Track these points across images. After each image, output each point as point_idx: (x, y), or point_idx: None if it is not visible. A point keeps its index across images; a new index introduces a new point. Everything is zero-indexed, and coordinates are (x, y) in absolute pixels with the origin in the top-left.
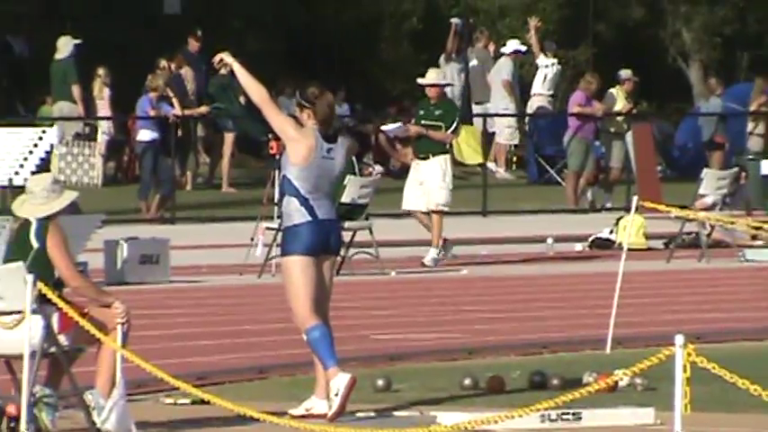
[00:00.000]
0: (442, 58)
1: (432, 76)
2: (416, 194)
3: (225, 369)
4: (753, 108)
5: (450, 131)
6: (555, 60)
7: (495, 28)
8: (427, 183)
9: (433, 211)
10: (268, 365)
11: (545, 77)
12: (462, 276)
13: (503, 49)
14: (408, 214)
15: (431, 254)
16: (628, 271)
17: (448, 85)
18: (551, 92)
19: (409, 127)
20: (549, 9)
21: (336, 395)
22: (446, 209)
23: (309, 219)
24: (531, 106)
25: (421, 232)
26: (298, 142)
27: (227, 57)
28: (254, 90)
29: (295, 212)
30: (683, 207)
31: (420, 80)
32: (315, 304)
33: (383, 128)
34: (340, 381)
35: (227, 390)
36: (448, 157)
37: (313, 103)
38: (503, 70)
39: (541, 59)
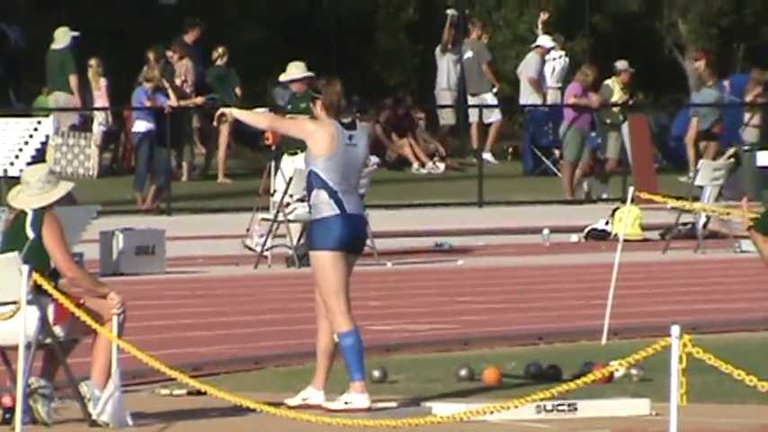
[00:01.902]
0: (438, 50)
1: (291, 72)
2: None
3: (221, 360)
4: (748, 99)
5: None
6: (562, 53)
7: (491, 19)
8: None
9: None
10: (264, 356)
11: (553, 70)
12: (458, 267)
13: (532, 45)
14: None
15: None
16: (624, 262)
17: (309, 77)
18: (560, 84)
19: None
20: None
21: (346, 404)
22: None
23: (338, 212)
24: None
25: (419, 223)
26: (317, 132)
27: (225, 110)
28: (261, 120)
29: (324, 205)
30: (678, 198)
31: (281, 77)
32: (348, 301)
33: (254, 111)
34: (359, 401)
35: (224, 380)
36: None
37: (321, 92)
38: (530, 66)
39: (550, 53)
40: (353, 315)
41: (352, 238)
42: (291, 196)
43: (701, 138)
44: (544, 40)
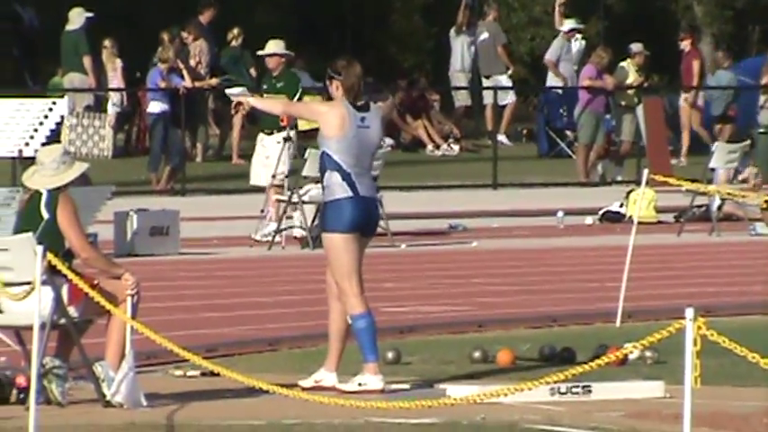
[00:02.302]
0: (452, 31)
1: (270, 47)
2: (264, 170)
3: (234, 341)
4: (764, 81)
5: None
6: (579, 36)
7: (507, 0)
8: (272, 157)
9: (273, 184)
10: (278, 338)
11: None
12: (472, 249)
13: (561, 28)
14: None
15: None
16: (638, 244)
17: (287, 54)
18: (575, 67)
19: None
20: None
21: (360, 385)
22: (278, 182)
23: (351, 194)
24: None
25: (433, 205)
26: (329, 114)
27: (242, 99)
28: (276, 106)
29: (337, 186)
30: (693, 180)
31: (260, 52)
32: (362, 284)
33: (227, 91)
34: (372, 383)
35: (237, 362)
36: (293, 132)
37: (340, 74)
38: (550, 50)
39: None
40: (366, 297)
41: (364, 221)
42: (306, 177)
43: (717, 120)
44: (567, 23)
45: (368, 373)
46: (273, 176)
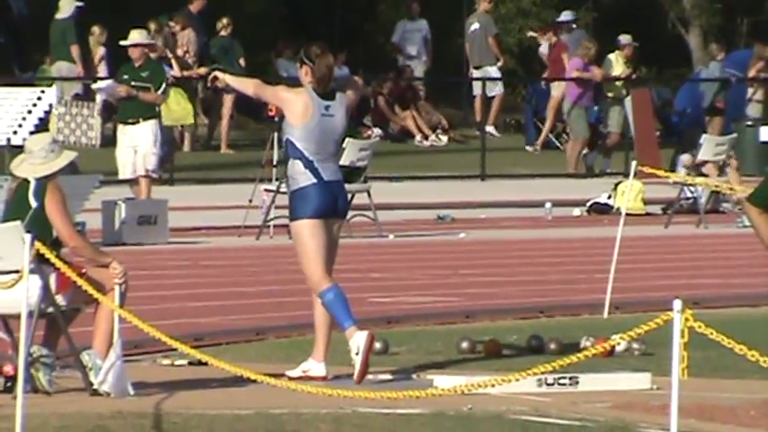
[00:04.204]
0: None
1: (134, 37)
2: (132, 162)
3: (222, 330)
4: (751, 74)
5: (160, 92)
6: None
7: None
8: (140, 148)
9: (143, 176)
10: (266, 327)
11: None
12: (460, 240)
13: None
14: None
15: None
16: (626, 236)
17: (150, 44)
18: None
19: (120, 87)
20: None
21: (357, 354)
22: (155, 175)
23: (315, 181)
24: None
25: (421, 196)
26: (292, 101)
27: (218, 74)
28: (248, 86)
29: (300, 175)
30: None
31: (122, 42)
32: (327, 266)
33: (93, 86)
34: (358, 339)
35: (225, 351)
36: (157, 121)
37: (313, 61)
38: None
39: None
40: (333, 278)
41: (331, 205)
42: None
43: (706, 112)
44: (567, 15)
45: (351, 337)
46: (150, 169)
